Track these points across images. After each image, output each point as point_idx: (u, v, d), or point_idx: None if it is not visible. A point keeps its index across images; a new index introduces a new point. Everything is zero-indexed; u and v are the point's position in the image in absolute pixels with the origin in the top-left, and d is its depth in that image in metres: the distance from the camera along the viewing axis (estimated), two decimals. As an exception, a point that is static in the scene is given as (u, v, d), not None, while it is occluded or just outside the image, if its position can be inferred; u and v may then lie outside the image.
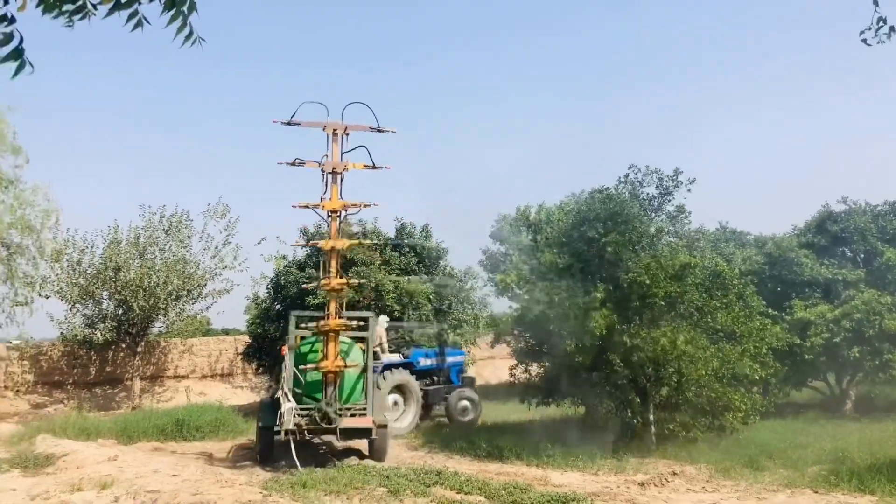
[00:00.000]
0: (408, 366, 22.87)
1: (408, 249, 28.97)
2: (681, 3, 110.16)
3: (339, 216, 16.47)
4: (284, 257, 29.89)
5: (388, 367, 22.37)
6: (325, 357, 16.10)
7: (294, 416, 15.37)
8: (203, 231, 32.34)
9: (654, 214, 25.01)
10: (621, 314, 17.95)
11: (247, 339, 31.76)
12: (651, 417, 17.45)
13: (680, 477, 14.38)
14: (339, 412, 15.64)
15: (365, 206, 16.37)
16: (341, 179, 16.29)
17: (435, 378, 23.82)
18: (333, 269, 16.49)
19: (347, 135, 16.02)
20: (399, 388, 22.13)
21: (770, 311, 21.11)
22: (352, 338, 17.34)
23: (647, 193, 25.43)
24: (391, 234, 29.80)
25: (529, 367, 22.36)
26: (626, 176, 25.32)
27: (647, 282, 17.32)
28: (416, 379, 22.64)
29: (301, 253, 29.48)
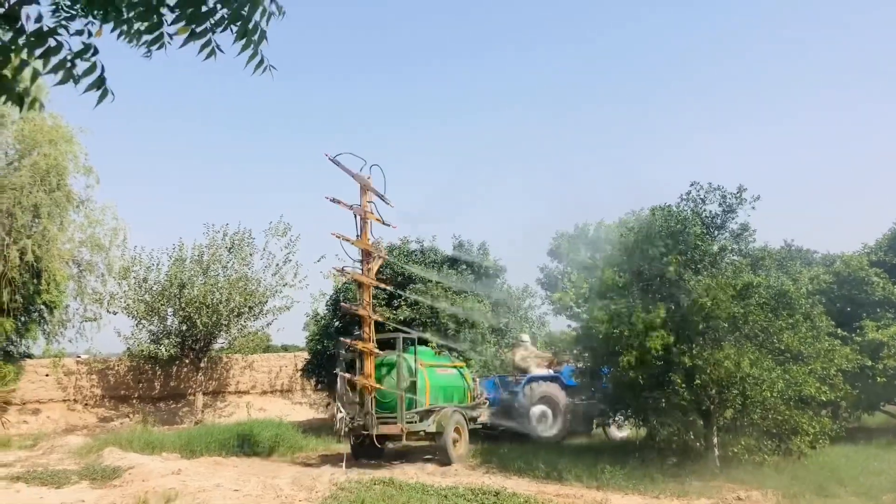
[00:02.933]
0: (556, 380, 24.57)
1: (465, 267, 29.04)
2: (737, 5, 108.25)
3: (370, 256, 20.04)
4: (344, 273, 30.35)
5: (534, 379, 24.33)
6: (363, 373, 19.62)
7: (344, 424, 19.47)
8: (264, 249, 32.97)
9: (716, 232, 24.55)
10: (683, 334, 17.69)
11: (306, 355, 32.15)
12: (715, 440, 17.13)
13: (745, 502, 14.01)
14: (371, 420, 19.30)
15: (383, 257, 21.34)
16: (371, 225, 20.07)
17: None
18: (366, 299, 20.12)
19: (368, 191, 20.13)
20: (547, 400, 23.93)
21: (839, 331, 20.50)
22: (448, 351, 21.26)
23: (710, 211, 24.99)
24: (449, 251, 29.94)
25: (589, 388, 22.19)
26: (688, 193, 24.94)
27: (709, 303, 17.09)
28: (568, 394, 24.35)
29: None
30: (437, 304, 25.76)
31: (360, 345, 19.79)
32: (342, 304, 22.22)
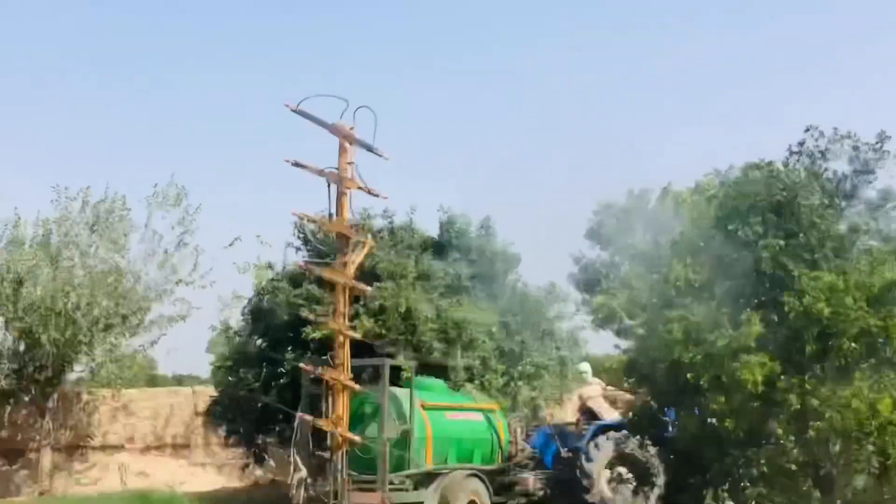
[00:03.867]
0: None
1: (458, 256, 29.03)
2: None
3: (347, 242, 20.34)
4: (270, 266, 30.19)
5: (606, 428, 24.84)
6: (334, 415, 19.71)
7: (303, 488, 19.88)
8: (146, 227, 32.78)
9: (844, 204, 24.57)
10: (790, 360, 17.87)
11: (212, 391, 32.08)
12: (839, 522, 17.44)
13: None
14: (342, 486, 19.42)
15: (371, 244, 21.33)
16: (351, 197, 20.43)
17: None
18: (340, 307, 20.08)
19: (351, 145, 20.37)
20: (626, 460, 24.44)
21: None
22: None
23: (835, 171, 24.99)
24: (434, 233, 29.96)
25: (645, 442, 22.27)
26: (801, 144, 24.84)
27: (830, 311, 17.23)
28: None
29: (294, 258, 29.82)
30: (418, 310, 25.86)
31: (328, 374, 20.01)
32: (304, 314, 22.77)
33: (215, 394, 31.11)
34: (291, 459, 20.45)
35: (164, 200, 32.91)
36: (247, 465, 32.63)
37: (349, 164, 20.34)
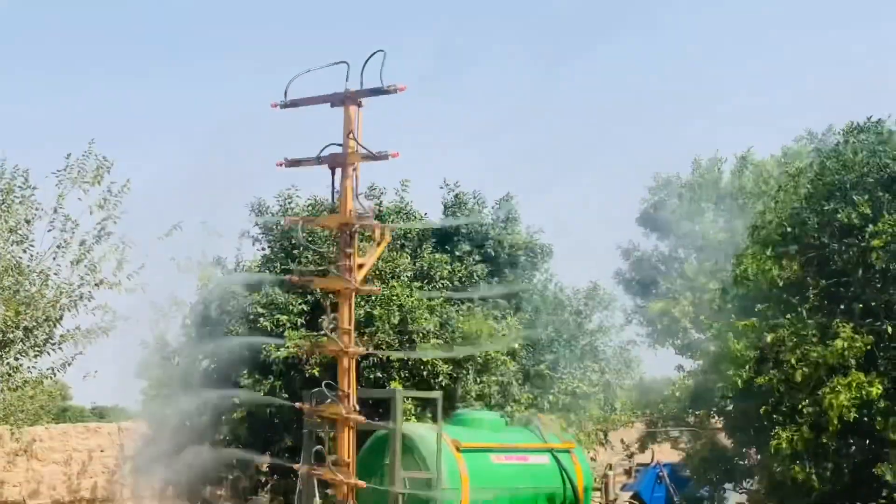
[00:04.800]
0: None
1: (468, 248, 29.25)
2: None
3: (351, 233, 20.50)
4: (219, 263, 30.39)
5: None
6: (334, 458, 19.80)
7: None
8: (56, 212, 32.84)
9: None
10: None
11: (143, 428, 32.22)
12: None
13: None
14: None
15: (385, 237, 21.19)
16: (357, 181, 20.75)
17: None
18: (345, 323, 20.24)
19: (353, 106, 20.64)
20: None
21: None
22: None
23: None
24: (437, 218, 30.17)
25: (722, 495, 22.47)
26: (921, 97, 25.18)
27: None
28: None
29: (250, 253, 30.04)
30: (415, 320, 26.05)
31: (328, 410, 20.35)
32: (297, 346, 23.68)
33: (148, 431, 31.24)
34: None
35: (79, 176, 32.96)
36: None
37: (350, 137, 20.61)
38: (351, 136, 20.65)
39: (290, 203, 29.08)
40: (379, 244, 21.34)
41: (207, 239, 31.78)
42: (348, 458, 19.99)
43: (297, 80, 20.16)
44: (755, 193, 29.77)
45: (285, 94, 20.36)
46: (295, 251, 27.06)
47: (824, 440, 17.79)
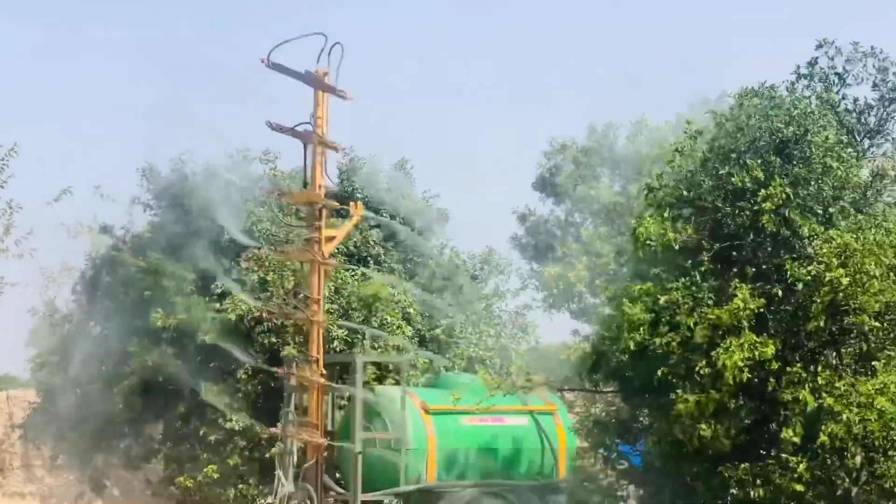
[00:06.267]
0: None
1: (364, 214, 29.12)
2: None
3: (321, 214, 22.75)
4: (109, 230, 29.98)
5: None
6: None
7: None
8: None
9: (868, 141, 24.95)
10: (795, 345, 18.28)
11: (32, 396, 31.82)
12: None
13: None
14: None
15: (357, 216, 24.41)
16: (325, 160, 23.38)
17: None
18: (315, 293, 22.63)
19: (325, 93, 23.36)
20: None
21: None
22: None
23: (856, 100, 25.37)
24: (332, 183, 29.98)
25: (612, 457, 22.52)
26: (812, 63, 25.21)
27: (848, 281, 17.52)
28: None
29: (143, 219, 29.65)
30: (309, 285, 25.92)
31: (296, 374, 22.25)
32: (262, 310, 24.23)
33: (37, 399, 30.86)
34: (276, 475, 22.29)
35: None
36: (81, 495, 32.44)
37: (317, 117, 22.75)
38: (319, 119, 22.92)
39: (182, 168, 28.74)
40: (350, 223, 24.19)
41: (99, 203, 31.36)
42: (317, 419, 21.90)
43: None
44: (651, 158, 29.79)
45: (268, 56, 21.96)
46: (187, 217, 26.73)
47: (722, 400, 17.79)
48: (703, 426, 17.82)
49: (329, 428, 23.20)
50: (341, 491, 22.66)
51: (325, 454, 22.38)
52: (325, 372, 22.40)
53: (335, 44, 22.39)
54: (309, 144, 22.88)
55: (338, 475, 23.87)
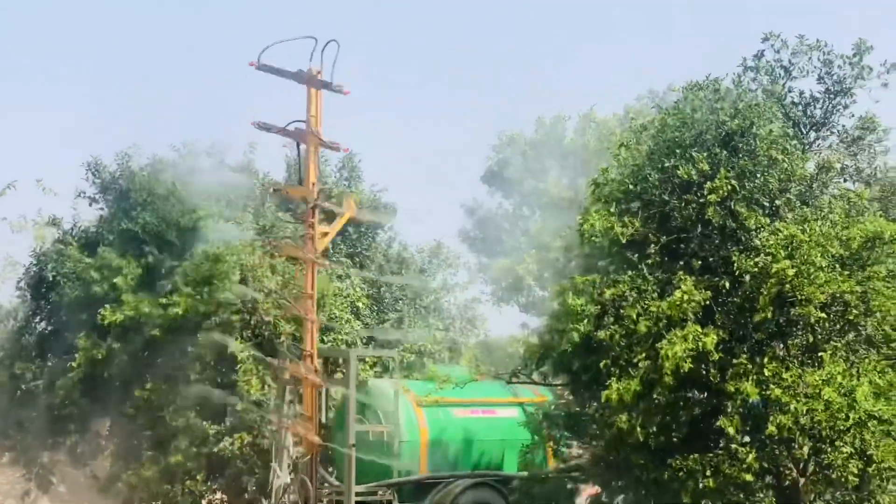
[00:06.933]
0: None
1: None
2: None
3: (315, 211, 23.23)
4: (55, 223, 29.79)
5: None
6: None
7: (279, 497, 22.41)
8: None
9: (813, 134, 25.07)
10: (742, 336, 18.36)
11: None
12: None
13: None
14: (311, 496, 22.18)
15: (350, 214, 24.26)
16: (318, 156, 24.06)
17: None
18: (309, 289, 23.18)
19: (317, 90, 23.90)
20: None
21: None
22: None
23: (802, 93, 25.45)
24: (279, 174, 29.93)
25: (562, 447, 22.52)
26: (759, 56, 25.28)
27: (793, 273, 17.62)
28: None
29: (88, 213, 29.43)
30: (258, 279, 25.83)
31: (290, 369, 23.06)
32: (259, 304, 24.59)
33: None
34: (273, 466, 22.86)
35: None
36: (27, 492, 32.21)
37: (313, 116, 23.29)
38: (312, 118, 23.38)
39: (128, 162, 28.58)
40: (343, 219, 24.26)
41: (43, 198, 31.17)
42: (310, 413, 22.53)
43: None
44: (599, 151, 29.85)
45: (258, 58, 22.79)
46: (133, 212, 26.58)
47: (657, 394, 17.80)
48: (622, 417, 17.98)
49: (323, 421, 23.57)
50: (336, 483, 23.30)
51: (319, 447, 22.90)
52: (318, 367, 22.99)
53: (330, 41, 22.66)
54: (302, 143, 23.62)
55: (331, 469, 24.47)
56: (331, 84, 23.30)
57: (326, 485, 23.41)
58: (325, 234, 23.46)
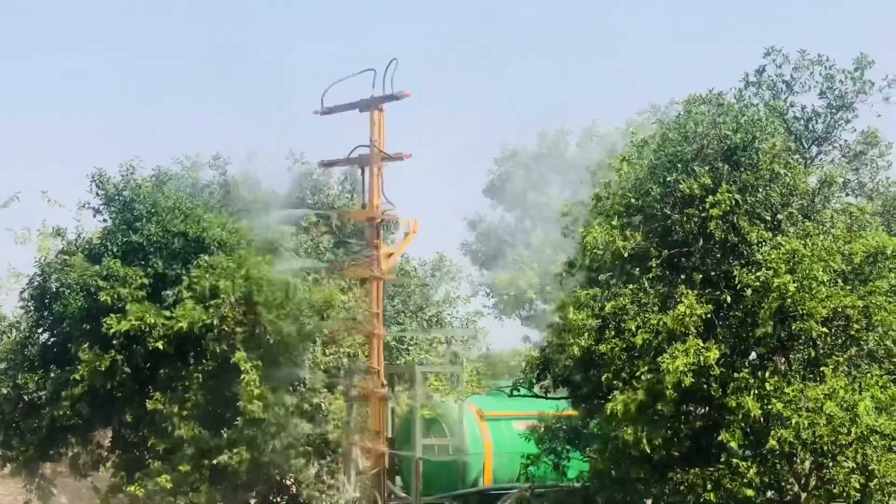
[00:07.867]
0: None
1: (316, 220, 28.97)
2: None
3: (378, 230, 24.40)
4: (59, 234, 29.73)
5: None
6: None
7: None
8: None
9: (816, 148, 25.08)
10: (744, 351, 18.37)
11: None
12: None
13: None
14: None
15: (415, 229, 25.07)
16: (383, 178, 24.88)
17: None
18: (375, 307, 24.01)
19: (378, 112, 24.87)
20: None
21: None
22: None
23: (804, 107, 25.47)
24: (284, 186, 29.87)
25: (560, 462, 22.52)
26: (760, 71, 25.32)
27: (795, 287, 17.63)
28: None
29: (94, 224, 29.37)
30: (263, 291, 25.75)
31: (359, 385, 23.71)
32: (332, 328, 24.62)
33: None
34: (341, 479, 23.43)
35: None
36: (28, 503, 32.13)
37: (376, 139, 24.43)
38: (376, 140, 24.42)
39: (132, 173, 28.52)
40: (409, 238, 25.24)
41: (47, 209, 31.10)
42: (378, 427, 23.17)
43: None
44: (601, 165, 29.84)
45: (321, 102, 24.27)
46: (137, 223, 26.50)
47: (661, 406, 17.78)
48: (628, 429, 17.94)
49: (389, 435, 24.09)
50: (403, 495, 24.19)
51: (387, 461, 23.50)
52: (385, 382, 23.73)
53: (392, 60, 23.73)
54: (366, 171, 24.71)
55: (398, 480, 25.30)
56: (393, 95, 24.27)
57: (393, 496, 23.97)
58: (391, 254, 24.57)
